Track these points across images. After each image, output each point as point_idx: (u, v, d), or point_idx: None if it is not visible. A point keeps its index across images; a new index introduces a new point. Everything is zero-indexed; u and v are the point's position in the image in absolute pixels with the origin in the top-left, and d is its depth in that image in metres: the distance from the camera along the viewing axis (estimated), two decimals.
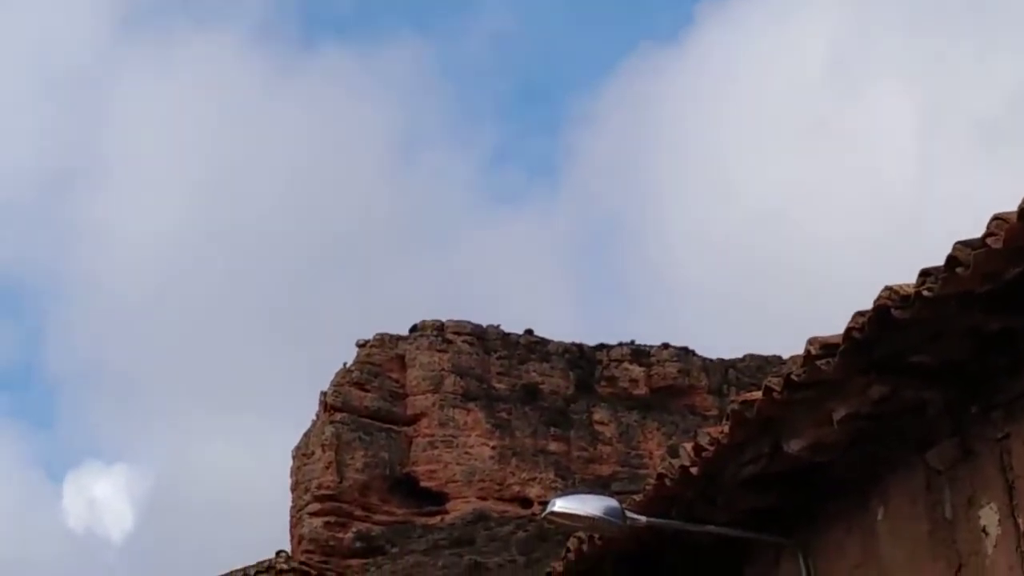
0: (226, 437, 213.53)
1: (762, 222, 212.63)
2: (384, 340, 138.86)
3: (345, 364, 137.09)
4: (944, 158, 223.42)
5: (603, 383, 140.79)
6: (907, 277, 7.04)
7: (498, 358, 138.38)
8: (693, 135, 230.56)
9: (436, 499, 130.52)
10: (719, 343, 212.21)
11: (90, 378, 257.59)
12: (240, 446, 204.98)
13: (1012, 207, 6.38)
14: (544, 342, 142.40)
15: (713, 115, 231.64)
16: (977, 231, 6.61)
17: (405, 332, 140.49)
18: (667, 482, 9.56)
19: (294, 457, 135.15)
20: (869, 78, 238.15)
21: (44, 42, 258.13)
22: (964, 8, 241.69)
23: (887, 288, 7.09)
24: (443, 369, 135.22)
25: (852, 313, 7.36)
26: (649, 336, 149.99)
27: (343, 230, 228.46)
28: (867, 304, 7.25)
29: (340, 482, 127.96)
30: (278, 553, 32.86)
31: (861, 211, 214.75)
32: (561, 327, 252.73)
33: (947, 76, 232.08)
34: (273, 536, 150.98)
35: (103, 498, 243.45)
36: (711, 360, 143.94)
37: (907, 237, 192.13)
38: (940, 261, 6.80)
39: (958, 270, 6.60)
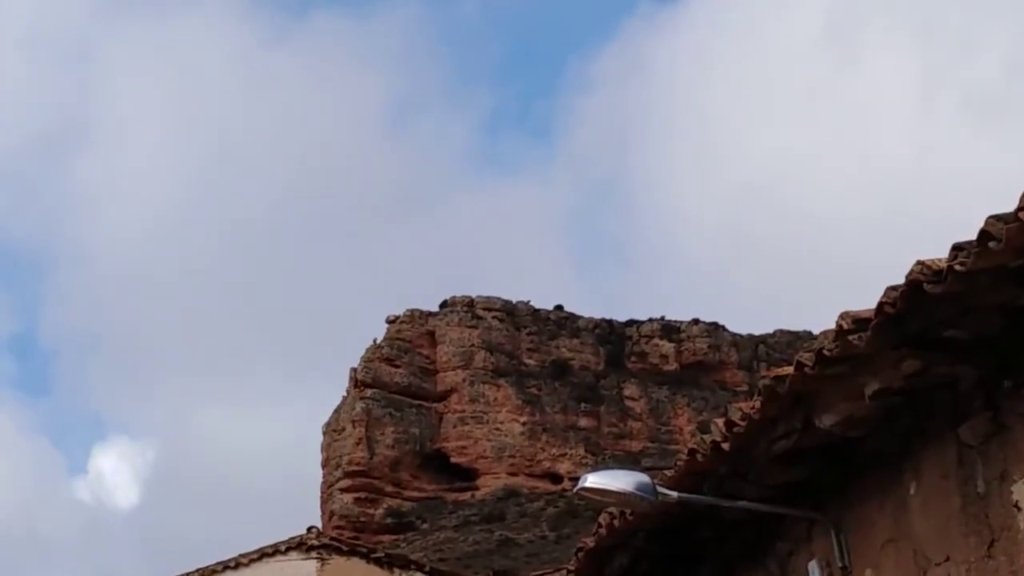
0: (227, 406, 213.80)
1: (754, 192, 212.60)
2: (414, 316, 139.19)
3: (375, 340, 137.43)
4: (939, 128, 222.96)
5: (633, 359, 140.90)
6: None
7: (528, 334, 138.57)
8: (689, 99, 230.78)
9: (466, 475, 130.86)
10: (749, 318, 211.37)
11: (88, 347, 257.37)
12: (241, 415, 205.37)
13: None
14: (574, 318, 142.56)
15: (710, 80, 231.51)
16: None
17: (434, 308, 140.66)
18: (698, 457, 9.56)
19: (324, 433, 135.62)
20: (865, 45, 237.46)
21: (38, 8, 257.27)
22: None
23: (919, 262, 7.07)
24: (473, 345, 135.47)
25: (884, 287, 7.35)
26: (679, 311, 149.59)
27: (341, 196, 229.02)
28: (897, 279, 7.23)
29: (371, 458, 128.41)
30: (309, 529, 32.94)
31: (855, 184, 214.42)
32: (573, 298, 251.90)
33: (943, 44, 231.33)
34: (283, 505, 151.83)
35: (108, 469, 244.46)
36: (741, 335, 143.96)
37: (902, 211, 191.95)
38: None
39: (990, 244, 6.57)
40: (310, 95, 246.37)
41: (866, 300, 7.55)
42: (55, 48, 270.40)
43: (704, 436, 9.61)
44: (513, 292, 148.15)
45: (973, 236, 6.72)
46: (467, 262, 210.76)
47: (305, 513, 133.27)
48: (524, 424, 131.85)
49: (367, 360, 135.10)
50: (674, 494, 9.52)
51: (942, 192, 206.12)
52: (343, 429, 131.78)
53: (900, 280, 7.18)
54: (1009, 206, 6.51)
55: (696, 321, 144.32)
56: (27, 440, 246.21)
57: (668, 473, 10.03)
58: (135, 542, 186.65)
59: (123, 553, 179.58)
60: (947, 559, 8.16)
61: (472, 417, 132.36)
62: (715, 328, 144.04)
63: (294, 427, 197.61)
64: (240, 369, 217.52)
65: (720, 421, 9.30)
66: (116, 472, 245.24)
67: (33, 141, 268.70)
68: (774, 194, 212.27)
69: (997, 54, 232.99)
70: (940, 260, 6.97)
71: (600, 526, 11.47)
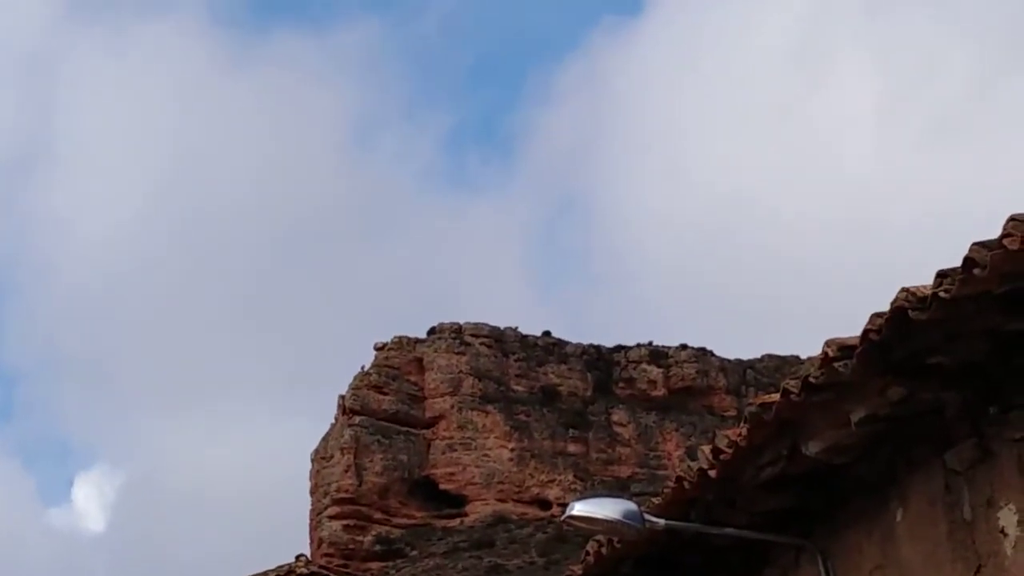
0: (197, 430, 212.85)
1: (722, 205, 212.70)
2: (402, 342, 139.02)
3: (363, 367, 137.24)
4: (902, 144, 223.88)
5: (621, 384, 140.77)
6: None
7: (516, 360, 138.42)
8: (653, 114, 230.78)
9: (455, 501, 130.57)
10: (736, 342, 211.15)
11: (53, 370, 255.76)
12: (212, 440, 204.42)
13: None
14: (562, 344, 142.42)
15: (675, 93, 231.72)
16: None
17: (420, 333, 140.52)
18: (685, 485, 9.57)
19: (312, 460, 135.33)
20: (831, 61, 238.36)
21: None
22: None
23: (904, 289, 7.09)
24: (461, 371, 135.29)
25: (870, 314, 7.36)
26: (659, 334, 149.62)
27: (302, 216, 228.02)
28: (882, 306, 7.25)
29: (359, 485, 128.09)
30: (298, 557, 32.83)
31: (821, 196, 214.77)
32: (559, 324, 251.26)
33: (907, 62, 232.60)
34: (256, 528, 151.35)
35: (78, 494, 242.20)
36: (729, 360, 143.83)
37: (869, 227, 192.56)
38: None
39: (975, 271, 6.59)
40: (270, 113, 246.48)
41: (849, 321, 7.57)
42: (10, 67, 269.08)
43: (691, 463, 9.61)
44: (492, 317, 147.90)
45: (956, 263, 6.75)
46: (433, 283, 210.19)
47: (281, 534, 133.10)
48: (512, 450, 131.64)
49: (355, 387, 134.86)
50: (661, 521, 9.51)
51: (906, 210, 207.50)
52: (331, 456, 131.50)
53: (884, 307, 7.20)
54: (992, 233, 6.54)
55: (684, 346, 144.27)
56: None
57: (655, 500, 10.03)
58: (105, 567, 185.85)
59: None
60: None
61: (460, 444, 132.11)
62: (703, 353, 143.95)
63: (267, 452, 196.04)
64: (208, 394, 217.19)
65: (707, 448, 9.31)
66: (86, 497, 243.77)
67: None
68: (743, 209, 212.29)
69: (958, 75, 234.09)
70: (925, 287, 6.99)
71: (588, 554, 11.46)
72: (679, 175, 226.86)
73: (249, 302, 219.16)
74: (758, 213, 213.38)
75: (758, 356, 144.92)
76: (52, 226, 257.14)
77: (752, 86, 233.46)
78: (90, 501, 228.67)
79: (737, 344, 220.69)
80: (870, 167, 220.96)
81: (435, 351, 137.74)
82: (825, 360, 7.67)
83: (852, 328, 7.58)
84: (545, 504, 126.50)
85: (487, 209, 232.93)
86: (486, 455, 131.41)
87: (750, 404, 8.73)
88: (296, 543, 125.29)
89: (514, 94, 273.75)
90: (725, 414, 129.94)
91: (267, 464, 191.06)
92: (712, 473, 9.22)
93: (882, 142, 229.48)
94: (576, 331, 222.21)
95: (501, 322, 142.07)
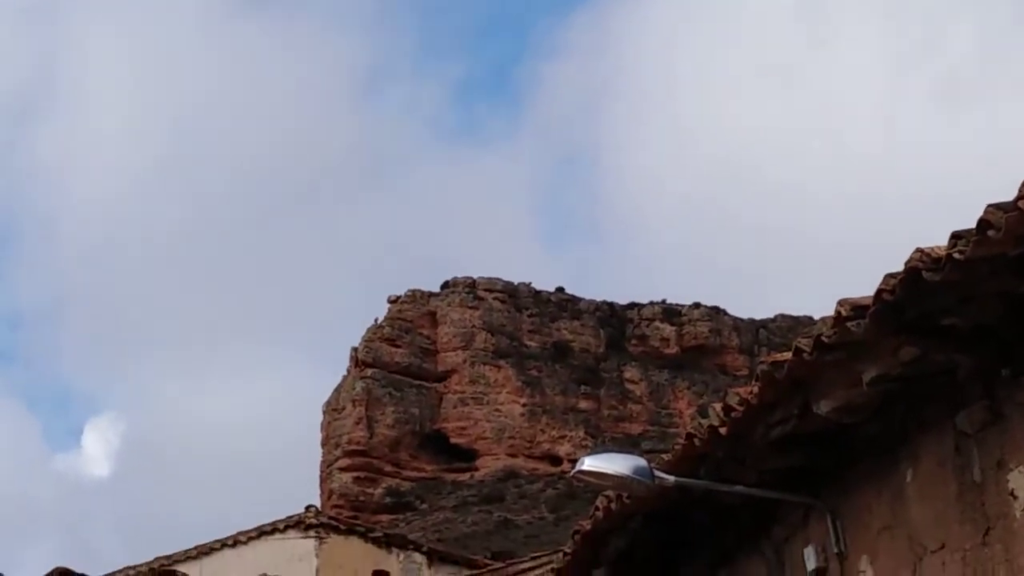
0: (198, 378, 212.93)
1: (728, 167, 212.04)
2: (415, 296, 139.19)
3: (376, 319, 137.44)
4: (909, 111, 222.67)
5: (634, 342, 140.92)
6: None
7: (529, 315, 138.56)
8: (659, 70, 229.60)
9: (466, 456, 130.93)
10: (750, 301, 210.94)
11: (56, 315, 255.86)
12: (213, 388, 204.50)
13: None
14: (575, 300, 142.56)
15: (681, 51, 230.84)
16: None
17: (436, 288, 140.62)
18: (696, 442, 9.57)
19: (324, 412, 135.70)
20: (837, 24, 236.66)
21: None
22: None
23: (918, 250, 7.06)
24: (474, 326, 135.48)
25: (883, 274, 7.34)
26: (680, 295, 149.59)
27: (309, 166, 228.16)
28: (895, 266, 7.22)
29: (370, 438, 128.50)
30: (307, 508, 32.99)
31: (828, 162, 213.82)
32: (566, 278, 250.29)
33: (911, 25, 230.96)
34: (263, 478, 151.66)
35: (87, 439, 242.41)
36: (742, 320, 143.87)
37: (873, 190, 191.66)
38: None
39: (990, 233, 6.56)
40: (279, 60, 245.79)
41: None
42: (17, 12, 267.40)
43: (702, 420, 9.61)
44: (501, 271, 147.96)
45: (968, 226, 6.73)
46: (440, 234, 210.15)
47: (289, 485, 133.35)
48: (524, 406, 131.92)
49: (368, 340, 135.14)
50: (671, 478, 9.53)
51: (911, 172, 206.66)
52: (343, 408, 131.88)
53: (898, 267, 7.18)
54: (1007, 195, 6.51)
55: (697, 305, 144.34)
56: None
57: (665, 457, 10.04)
58: (108, 514, 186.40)
59: (97, 525, 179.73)
60: (942, 547, 8.17)
61: (472, 398, 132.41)
62: (716, 312, 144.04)
63: (274, 402, 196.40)
64: (214, 343, 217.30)
65: (718, 406, 9.31)
66: (91, 443, 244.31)
67: None
68: (748, 169, 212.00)
69: (967, 39, 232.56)
70: (939, 248, 6.97)
71: (597, 509, 11.48)
72: (684, 133, 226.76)
73: (254, 251, 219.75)
74: (765, 174, 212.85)
75: (771, 316, 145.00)
76: (57, 172, 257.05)
77: (758, 45, 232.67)
78: (95, 447, 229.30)
79: (751, 304, 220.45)
80: (876, 134, 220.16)
81: (448, 305, 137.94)
82: (838, 319, 7.66)
83: (865, 289, 7.57)
84: (556, 460, 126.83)
85: (494, 161, 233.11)
86: (497, 410, 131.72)
87: (762, 362, 8.73)
88: (304, 494, 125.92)
89: (521, 47, 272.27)
90: (737, 373, 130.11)
91: (274, 415, 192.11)
92: (723, 431, 9.23)
93: (890, 105, 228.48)
94: (584, 286, 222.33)
95: (513, 277, 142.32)
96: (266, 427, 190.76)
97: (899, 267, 7.17)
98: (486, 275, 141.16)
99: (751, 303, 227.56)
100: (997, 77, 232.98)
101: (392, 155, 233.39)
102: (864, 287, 7.55)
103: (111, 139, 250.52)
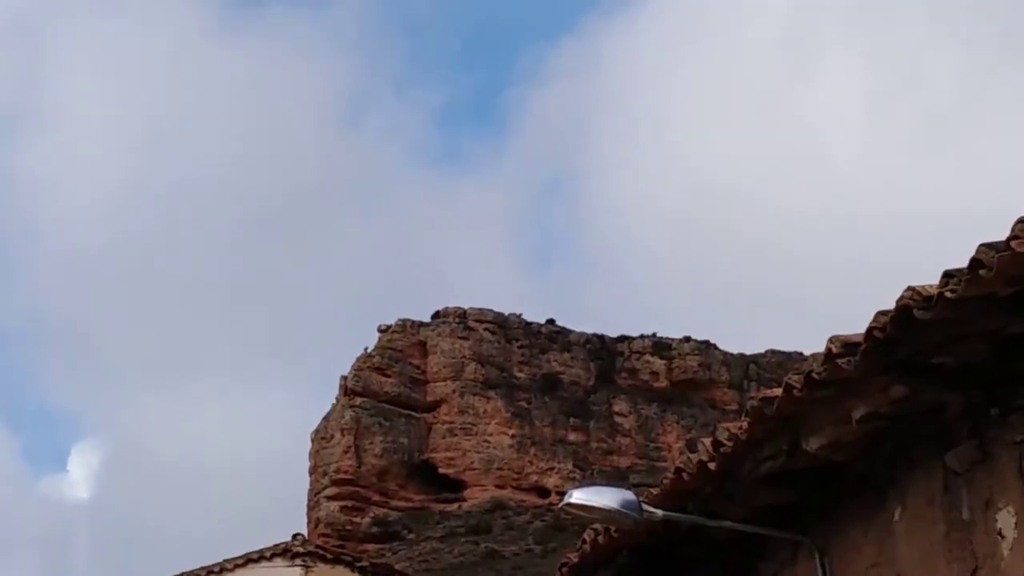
0: (180, 401, 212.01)
1: (713, 194, 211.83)
2: (406, 325, 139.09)
3: (366, 348, 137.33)
4: (887, 142, 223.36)
5: (624, 374, 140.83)
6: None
7: (519, 347, 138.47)
8: (645, 99, 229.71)
9: (454, 486, 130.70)
10: (739, 336, 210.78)
11: (34, 335, 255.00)
12: (196, 410, 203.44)
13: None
14: (565, 332, 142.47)
15: (667, 79, 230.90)
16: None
17: (426, 318, 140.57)
18: (684, 476, 9.57)
19: (312, 440, 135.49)
20: (820, 54, 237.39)
21: None
22: None
23: (909, 288, 7.09)
24: (464, 356, 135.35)
25: (874, 312, 7.36)
26: (669, 328, 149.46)
27: (291, 190, 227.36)
28: (889, 303, 7.24)
29: (358, 467, 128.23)
30: (294, 536, 32.91)
31: (811, 190, 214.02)
32: (548, 308, 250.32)
33: (894, 59, 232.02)
34: (243, 503, 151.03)
35: (67, 460, 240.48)
36: (732, 354, 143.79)
37: (858, 221, 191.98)
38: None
39: (981, 272, 6.58)
40: (260, 84, 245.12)
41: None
42: (3, 30, 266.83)
43: (691, 455, 9.61)
44: (485, 300, 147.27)
45: (952, 264, 6.75)
46: (421, 262, 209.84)
47: (269, 509, 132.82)
48: (513, 437, 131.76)
49: (357, 368, 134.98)
50: (659, 512, 9.51)
51: (894, 205, 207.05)
52: (331, 437, 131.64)
53: (888, 305, 7.20)
54: (992, 231, 6.54)
55: (687, 339, 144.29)
56: None
57: (654, 491, 10.03)
58: (91, 538, 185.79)
59: (79, 549, 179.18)
60: None
61: (461, 428, 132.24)
62: (706, 346, 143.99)
63: (252, 427, 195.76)
64: (193, 366, 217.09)
65: (707, 441, 9.31)
66: (73, 465, 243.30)
67: None
68: (735, 200, 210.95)
69: (945, 77, 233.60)
70: (930, 286, 6.99)
71: (584, 542, 11.46)
72: (670, 162, 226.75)
73: (233, 275, 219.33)
74: (750, 205, 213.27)
75: (761, 351, 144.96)
76: (36, 190, 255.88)
77: (743, 76, 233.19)
78: (78, 469, 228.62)
79: (740, 338, 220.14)
80: (859, 163, 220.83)
81: (439, 335, 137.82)
82: (828, 356, 7.67)
83: (852, 325, 7.58)
84: (544, 492, 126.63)
85: (477, 188, 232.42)
86: (486, 441, 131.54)
87: (752, 398, 8.74)
88: (291, 522, 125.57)
89: (506, 73, 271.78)
90: (727, 408, 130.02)
91: (253, 439, 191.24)
92: (712, 465, 9.23)
93: (871, 139, 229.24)
94: (570, 315, 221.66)
95: (494, 304, 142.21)
96: (251, 454, 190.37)
97: (889, 304, 7.19)
98: (474, 305, 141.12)
99: (741, 337, 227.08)
100: (981, 115, 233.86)
101: (374, 181, 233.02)
102: (853, 321, 7.58)
103: (90, 157, 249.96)
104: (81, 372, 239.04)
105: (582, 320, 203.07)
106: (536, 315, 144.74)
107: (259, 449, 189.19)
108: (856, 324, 7.55)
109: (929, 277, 6.99)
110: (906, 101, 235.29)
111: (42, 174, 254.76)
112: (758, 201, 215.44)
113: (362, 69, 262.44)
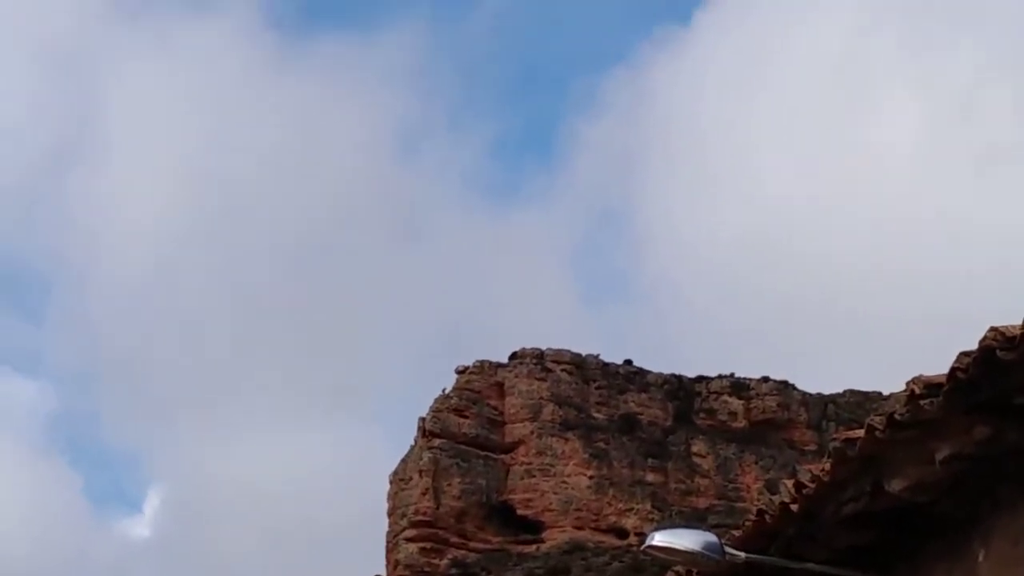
0: (239, 440, 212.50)
1: (774, 224, 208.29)
2: (483, 367, 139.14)
3: (444, 390, 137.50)
4: (942, 176, 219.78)
5: (702, 415, 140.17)
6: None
7: (597, 387, 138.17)
8: (700, 127, 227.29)
9: (532, 528, 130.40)
10: (817, 375, 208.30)
11: (95, 372, 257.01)
12: (254, 448, 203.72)
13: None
14: (643, 372, 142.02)
15: (720, 111, 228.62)
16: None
17: (504, 359, 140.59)
18: (767, 518, 9.55)
19: (391, 482, 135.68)
20: (875, 85, 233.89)
21: (39, 21, 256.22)
22: (966, 20, 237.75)
23: (992, 329, 7.07)
24: (542, 397, 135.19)
25: (957, 353, 7.34)
26: (748, 368, 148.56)
27: (346, 222, 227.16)
28: (970, 344, 7.22)
29: (437, 508, 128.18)
30: None
31: (866, 228, 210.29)
32: (603, 342, 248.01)
33: (949, 91, 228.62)
34: (306, 541, 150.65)
35: (126, 499, 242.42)
36: (811, 394, 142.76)
37: (913, 263, 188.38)
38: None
39: None
40: (315, 117, 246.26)
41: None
42: (59, 65, 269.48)
43: (773, 497, 9.59)
44: (543, 339, 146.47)
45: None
46: (475, 294, 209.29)
47: (351, 555, 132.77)
48: (591, 478, 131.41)
49: (435, 410, 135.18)
50: (741, 554, 9.49)
51: (958, 244, 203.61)
52: (410, 479, 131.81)
53: (972, 345, 7.18)
54: None
55: (766, 379, 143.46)
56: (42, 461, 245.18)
57: (735, 533, 10.01)
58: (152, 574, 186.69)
59: None
60: None
61: (539, 469, 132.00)
62: (784, 386, 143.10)
63: (330, 469, 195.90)
64: (268, 405, 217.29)
65: (790, 482, 9.29)
66: (133, 502, 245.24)
67: (37, 159, 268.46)
68: (784, 236, 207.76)
69: (1001, 108, 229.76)
70: (1014, 327, 6.97)
71: None
72: (726, 191, 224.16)
73: (301, 311, 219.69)
74: (798, 243, 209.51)
75: (840, 391, 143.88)
76: (94, 221, 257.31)
77: (797, 105, 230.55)
78: (135, 506, 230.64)
79: (819, 378, 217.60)
80: (912, 198, 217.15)
81: (516, 376, 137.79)
82: (911, 397, 7.66)
83: (932, 363, 7.57)
84: (622, 533, 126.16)
85: (532, 219, 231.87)
86: (564, 482, 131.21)
87: (834, 439, 8.72)
88: (370, 564, 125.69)
89: (560, 104, 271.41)
90: (805, 448, 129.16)
91: (337, 484, 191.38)
92: (794, 507, 9.21)
93: (924, 172, 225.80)
94: (630, 351, 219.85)
95: (554, 343, 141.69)
96: (328, 496, 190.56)
97: (970, 345, 7.17)
98: (547, 344, 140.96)
99: (819, 377, 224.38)
100: None
101: (428, 212, 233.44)
102: (930, 361, 7.56)
103: (147, 193, 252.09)
104: (142, 412, 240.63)
105: (647, 355, 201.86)
106: (599, 348, 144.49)
107: (342, 494, 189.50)
108: (932, 362, 7.54)
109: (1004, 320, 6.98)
110: (962, 133, 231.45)
111: (98, 209, 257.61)
112: (821, 243, 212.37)
113: (415, 100, 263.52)
